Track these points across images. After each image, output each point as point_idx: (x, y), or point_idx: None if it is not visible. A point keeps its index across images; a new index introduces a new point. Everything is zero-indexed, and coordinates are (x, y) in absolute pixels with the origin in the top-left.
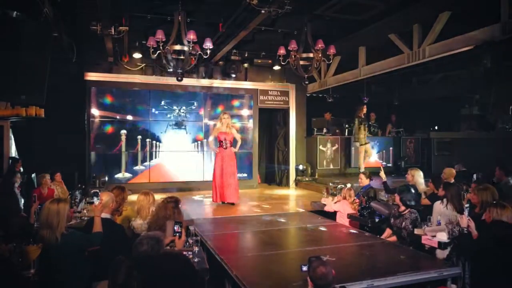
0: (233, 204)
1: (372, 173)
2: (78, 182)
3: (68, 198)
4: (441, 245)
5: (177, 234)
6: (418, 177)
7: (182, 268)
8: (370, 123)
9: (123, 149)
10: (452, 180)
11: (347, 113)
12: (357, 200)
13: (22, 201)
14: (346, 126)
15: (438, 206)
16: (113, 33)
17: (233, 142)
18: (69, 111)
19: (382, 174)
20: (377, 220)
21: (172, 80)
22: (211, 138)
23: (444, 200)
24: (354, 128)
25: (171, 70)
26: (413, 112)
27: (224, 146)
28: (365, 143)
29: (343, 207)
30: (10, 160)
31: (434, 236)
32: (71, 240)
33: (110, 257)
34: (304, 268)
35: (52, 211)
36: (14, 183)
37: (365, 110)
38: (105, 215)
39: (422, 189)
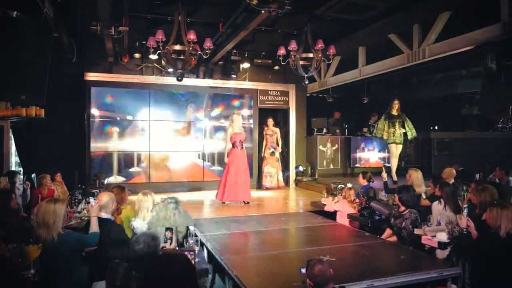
0: (247, 202)
1: (373, 173)
2: (78, 182)
3: (65, 198)
4: (441, 245)
5: (169, 240)
6: (416, 178)
7: (182, 268)
8: (370, 123)
9: (123, 148)
10: (452, 180)
11: (347, 113)
12: (357, 200)
13: (20, 200)
14: (346, 126)
15: (437, 206)
16: (113, 33)
17: None
18: (69, 111)
19: (383, 174)
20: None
21: (172, 80)
22: (228, 146)
23: (442, 200)
24: (377, 124)
25: (171, 70)
26: (413, 112)
27: (238, 147)
28: (393, 142)
29: (343, 207)
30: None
31: (434, 236)
32: (67, 240)
33: (110, 257)
34: (303, 270)
35: (49, 210)
36: (14, 183)
37: (397, 106)
38: (106, 215)
39: (421, 190)
